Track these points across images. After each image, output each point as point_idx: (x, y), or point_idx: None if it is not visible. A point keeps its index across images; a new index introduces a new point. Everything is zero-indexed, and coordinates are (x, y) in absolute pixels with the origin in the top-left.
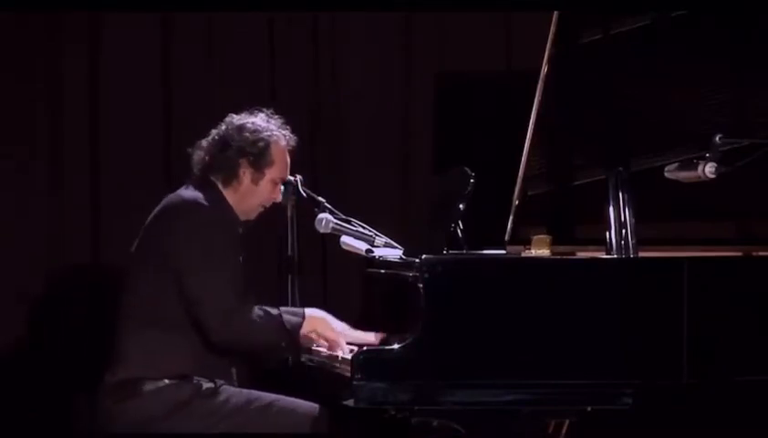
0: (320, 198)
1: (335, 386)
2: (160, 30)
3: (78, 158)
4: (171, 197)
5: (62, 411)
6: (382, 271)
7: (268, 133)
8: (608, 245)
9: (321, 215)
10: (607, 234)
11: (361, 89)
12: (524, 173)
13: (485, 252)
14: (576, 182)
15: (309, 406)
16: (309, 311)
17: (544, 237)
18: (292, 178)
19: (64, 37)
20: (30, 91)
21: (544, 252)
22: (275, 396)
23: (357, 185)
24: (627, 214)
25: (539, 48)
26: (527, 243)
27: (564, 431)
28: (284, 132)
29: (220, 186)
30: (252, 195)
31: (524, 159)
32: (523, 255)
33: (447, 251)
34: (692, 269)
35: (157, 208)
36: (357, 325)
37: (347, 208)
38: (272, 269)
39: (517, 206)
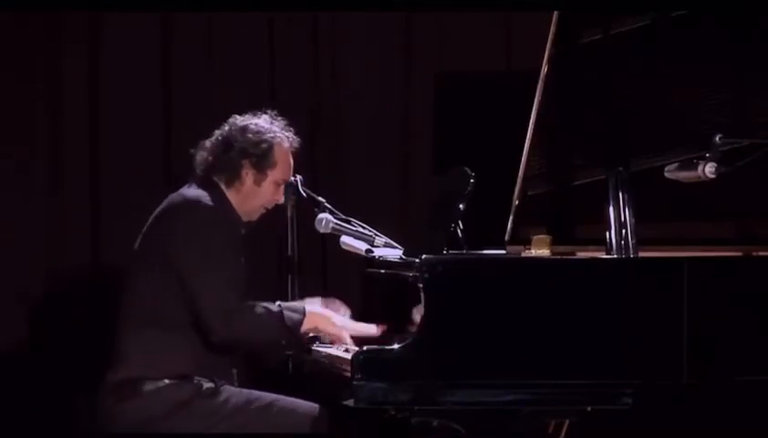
0: (320, 198)
1: (335, 386)
2: (160, 30)
3: (78, 158)
4: (173, 196)
5: (62, 411)
6: (382, 271)
7: (271, 135)
8: (608, 245)
9: (321, 215)
10: (607, 234)
11: (361, 89)
12: (524, 173)
13: (485, 252)
14: (576, 182)
15: (309, 406)
16: (310, 308)
17: (544, 237)
18: (292, 178)
19: (64, 37)
20: (30, 91)
21: (544, 252)
22: (275, 396)
23: (357, 185)
24: (627, 214)
25: (539, 48)
26: (527, 243)
27: (564, 431)
28: (287, 134)
29: (222, 187)
30: (254, 196)
31: (524, 159)
32: (523, 255)
33: (447, 251)
34: (692, 269)
35: (159, 207)
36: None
37: (347, 208)
38: (272, 269)
39: (517, 206)
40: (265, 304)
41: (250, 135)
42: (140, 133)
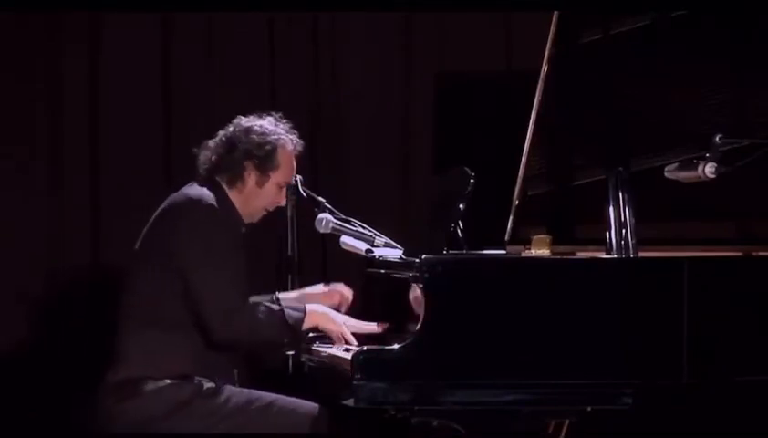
0: (320, 198)
1: (335, 386)
2: (160, 30)
3: (78, 158)
4: (174, 196)
5: (62, 411)
6: (382, 271)
7: (275, 137)
8: (608, 245)
9: (321, 215)
10: (607, 234)
11: (361, 89)
12: (524, 173)
13: (485, 252)
14: (576, 182)
15: (310, 406)
16: (310, 306)
17: (544, 237)
18: (292, 178)
19: (64, 37)
20: (30, 91)
21: (544, 252)
22: (275, 396)
23: (357, 185)
24: (627, 214)
25: (539, 48)
26: (527, 243)
27: (564, 431)
28: (291, 137)
29: (225, 187)
30: (256, 198)
31: (524, 159)
32: (523, 255)
33: (447, 251)
34: (692, 269)
35: (160, 207)
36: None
37: (347, 208)
38: (272, 269)
39: (517, 206)
40: (267, 303)
41: (254, 136)
42: (140, 133)
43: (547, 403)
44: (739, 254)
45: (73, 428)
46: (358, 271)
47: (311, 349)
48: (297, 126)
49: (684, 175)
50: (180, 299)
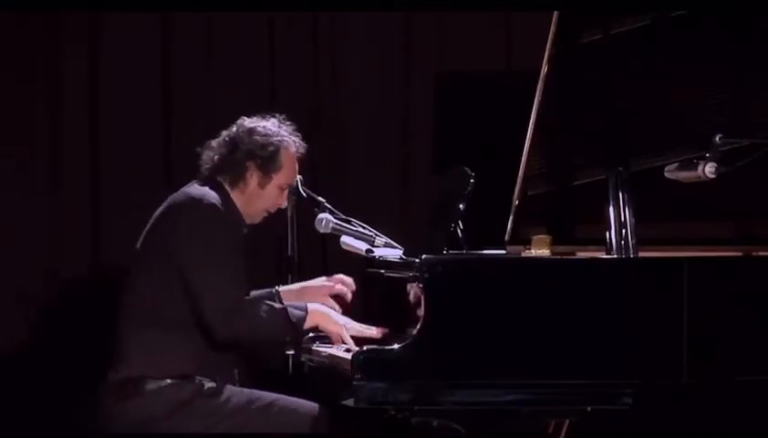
0: (320, 198)
1: (335, 386)
2: (160, 30)
3: (78, 158)
4: (175, 195)
5: (62, 411)
6: (382, 271)
7: (278, 138)
8: (608, 245)
9: (321, 215)
10: (607, 234)
11: (361, 89)
12: (524, 173)
13: (485, 252)
14: (576, 182)
15: (310, 406)
16: (312, 306)
17: (544, 237)
18: None
19: (64, 37)
20: (30, 91)
21: (544, 252)
22: (275, 396)
23: (357, 185)
24: (627, 214)
25: (539, 48)
26: (527, 243)
27: (564, 431)
28: (294, 139)
29: (227, 187)
30: (257, 199)
31: (524, 159)
32: (523, 255)
33: (447, 251)
34: (692, 269)
35: (161, 206)
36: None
37: (347, 208)
38: (272, 269)
39: (517, 206)
40: (268, 301)
41: (257, 137)
42: (140, 133)
43: (547, 403)
44: (739, 254)
45: (73, 428)
46: (358, 271)
47: (311, 349)
48: (297, 126)
49: (684, 175)
50: (180, 299)
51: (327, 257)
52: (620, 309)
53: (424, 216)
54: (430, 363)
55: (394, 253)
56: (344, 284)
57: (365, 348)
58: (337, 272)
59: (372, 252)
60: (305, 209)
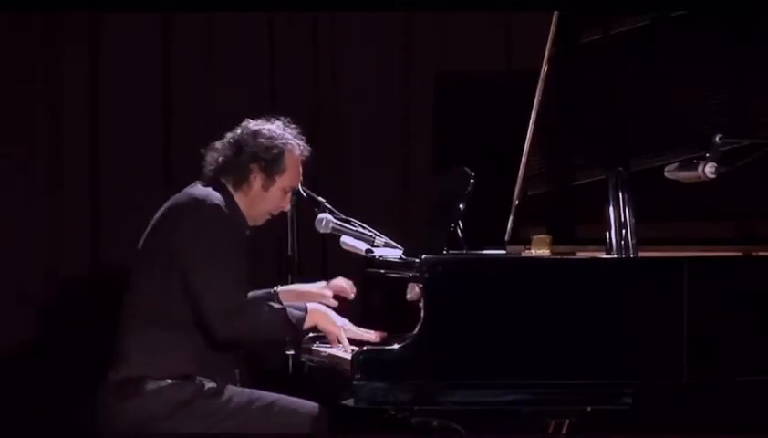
0: (320, 198)
1: (335, 386)
2: (160, 30)
3: (78, 158)
4: (178, 195)
5: (62, 411)
6: (382, 271)
7: (283, 141)
8: (608, 245)
9: (321, 215)
10: (607, 234)
11: (361, 89)
12: (524, 173)
13: (485, 252)
14: (576, 182)
15: (311, 406)
16: (311, 306)
17: (544, 237)
18: None
19: (64, 37)
20: (30, 91)
21: (544, 252)
22: (276, 396)
23: (357, 185)
24: (627, 214)
25: (539, 48)
26: (527, 243)
27: (564, 431)
28: (298, 142)
29: (230, 188)
30: (261, 201)
31: (524, 159)
32: (523, 255)
33: (447, 251)
34: (692, 269)
35: (164, 206)
36: (357, 325)
37: (347, 208)
38: (272, 269)
39: (517, 206)
40: (269, 302)
41: (262, 140)
42: (140, 133)
43: (547, 403)
44: (739, 254)
45: (73, 428)
46: (358, 271)
47: (311, 349)
48: (297, 126)
49: (684, 175)
50: (182, 299)
51: (327, 257)
52: (620, 309)
53: (424, 216)
54: (430, 363)
55: (394, 253)
56: (343, 290)
57: (365, 348)
58: (337, 272)
59: (372, 252)
60: (305, 209)
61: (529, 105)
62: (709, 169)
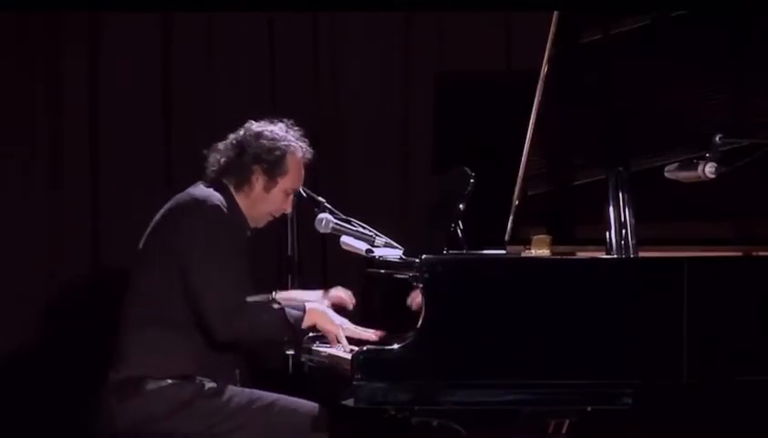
0: (320, 198)
1: (335, 386)
2: (160, 30)
3: (78, 158)
4: (179, 195)
5: (62, 411)
6: (382, 271)
7: (285, 143)
8: (608, 245)
9: (321, 215)
10: (607, 234)
11: (361, 89)
12: (524, 173)
13: (485, 252)
14: (576, 182)
15: (311, 406)
16: (310, 305)
17: (544, 237)
18: None
19: (64, 37)
20: (30, 91)
21: (544, 252)
22: (276, 396)
23: (357, 185)
24: (627, 214)
25: (539, 48)
26: (527, 243)
27: (564, 431)
28: (301, 144)
29: (232, 190)
30: (262, 203)
31: (524, 159)
32: (523, 255)
33: (447, 251)
34: (692, 269)
35: (165, 206)
36: (357, 325)
37: (347, 208)
38: (272, 269)
39: (517, 206)
40: (268, 303)
41: (264, 141)
42: (140, 133)
43: (547, 403)
44: (739, 254)
45: (73, 428)
46: (358, 271)
47: (311, 349)
48: (297, 126)
49: (684, 175)
50: (182, 299)
51: (327, 257)
52: (620, 309)
53: (424, 216)
54: (430, 363)
55: (394, 253)
56: (342, 300)
57: (365, 348)
58: (337, 272)
59: (372, 252)
60: (305, 209)
61: (529, 105)
62: (709, 169)
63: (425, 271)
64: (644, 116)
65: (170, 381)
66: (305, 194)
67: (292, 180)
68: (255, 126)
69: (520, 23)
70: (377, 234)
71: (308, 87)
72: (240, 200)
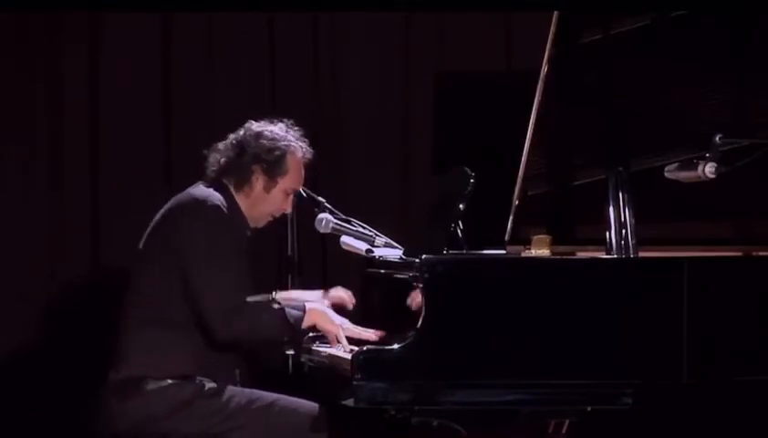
0: (320, 198)
1: (335, 386)
2: (160, 30)
3: (78, 158)
4: (180, 196)
5: (62, 411)
6: (382, 271)
7: (285, 143)
8: (608, 245)
9: (321, 215)
10: (607, 234)
11: (361, 89)
12: (524, 173)
13: (485, 252)
14: (576, 182)
15: (311, 406)
16: (310, 305)
17: (544, 237)
18: None
19: (64, 37)
20: (30, 91)
21: (544, 252)
22: (276, 396)
23: (357, 185)
24: (627, 214)
25: (539, 48)
26: (527, 243)
27: (564, 431)
28: (301, 144)
29: (232, 190)
30: (262, 203)
31: (524, 159)
32: (523, 255)
33: (447, 251)
34: (692, 269)
35: (165, 206)
36: (357, 325)
37: (347, 208)
38: (272, 269)
39: (517, 206)
40: (268, 303)
41: (264, 141)
42: (140, 133)
43: (547, 403)
44: (739, 254)
45: (73, 428)
46: (358, 271)
47: (311, 349)
48: (297, 126)
49: (684, 175)
50: (182, 299)
51: (327, 257)
52: (620, 309)
53: (424, 216)
54: (430, 363)
55: (394, 253)
56: (342, 300)
57: (365, 348)
58: (337, 272)
59: (372, 252)
60: (305, 209)
61: (529, 105)
62: (709, 169)
63: (425, 271)
64: (644, 116)
65: (170, 381)
66: (305, 194)
67: (292, 180)
68: (255, 126)
69: (520, 23)
70: (377, 234)
71: (308, 87)
72: (240, 200)
